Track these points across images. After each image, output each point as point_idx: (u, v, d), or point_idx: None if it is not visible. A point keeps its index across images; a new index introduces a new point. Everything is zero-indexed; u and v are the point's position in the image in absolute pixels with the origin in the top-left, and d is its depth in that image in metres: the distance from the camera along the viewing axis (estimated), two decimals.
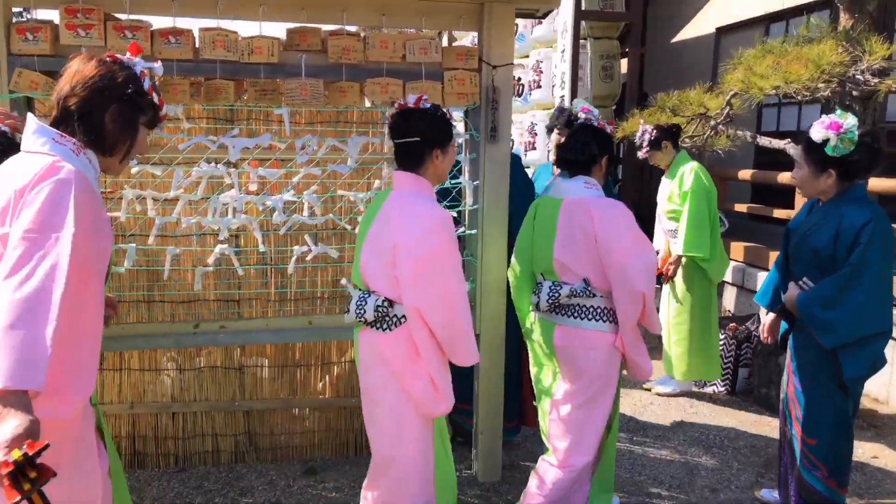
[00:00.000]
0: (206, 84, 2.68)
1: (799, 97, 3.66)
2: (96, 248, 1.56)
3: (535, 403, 2.92)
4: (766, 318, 2.94)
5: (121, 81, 1.65)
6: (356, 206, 2.95)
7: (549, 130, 3.76)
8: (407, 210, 2.20)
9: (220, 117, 3.15)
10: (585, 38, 6.36)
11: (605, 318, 2.59)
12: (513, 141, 7.29)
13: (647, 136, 4.20)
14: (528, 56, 7.25)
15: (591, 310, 2.59)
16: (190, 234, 2.99)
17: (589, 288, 2.56)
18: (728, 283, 5.75)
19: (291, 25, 2.78)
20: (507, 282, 2.97)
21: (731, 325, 4.51)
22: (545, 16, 3.25)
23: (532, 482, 2.70)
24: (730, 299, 5.71)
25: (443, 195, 3.18)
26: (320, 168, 2.85)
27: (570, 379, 2.62)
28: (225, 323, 2.91)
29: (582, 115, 3.50)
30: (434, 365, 2.21)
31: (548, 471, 2.65)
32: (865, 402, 4.34)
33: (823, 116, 2.57)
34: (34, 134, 1.58)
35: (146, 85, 1.70)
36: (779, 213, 5.52)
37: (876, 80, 3.51)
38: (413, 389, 2.20)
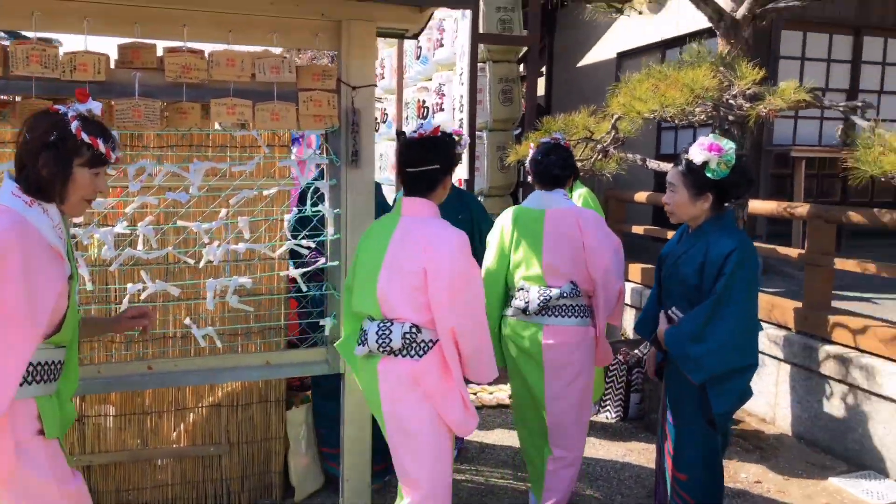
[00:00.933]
0: (21, 104, 2.40)
1: (676, 121, 3.65)
2: (25, 286, 1.71)
3: None
4: (650, 348, 2.86)
5: (43, 131, 1.79)
6: (200, 238, 2.69)
7: None
8: (430, 233, 2.24)
9: None
10: (485, 62, 6.30)
11: (586, 315, 2.96)
12: None
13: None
14: (430, 79, 7.16)
15: (576, 308, 2.93)
16: None
17: (576, 289, 2.91)
18: (627, 304, 5.74)
19: (124, 41, 2.53)
20: None
21: (623, 349, 4.46)
22: (415, 36, 3.09)
23: (550, 486, 2.99)
24: (629, 321, 5.70)
25: (302, 224, 2.97)
26: (157, 197, 2.59)
27: (559, 375, 2.91)
28: None
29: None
30: (462, 385, 2.28)
31: (559, 470, 2.99)
32: (752, 423, 4.36)
33: (701, 138, 2.51)
34: (3, 186, 1.81)
35: (73, 127, 1.80)
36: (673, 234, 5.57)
37: (748, 104, 3.54)
38: (448, 412, 2.25)
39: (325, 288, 2.95)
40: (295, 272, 2.82)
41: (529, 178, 3.52)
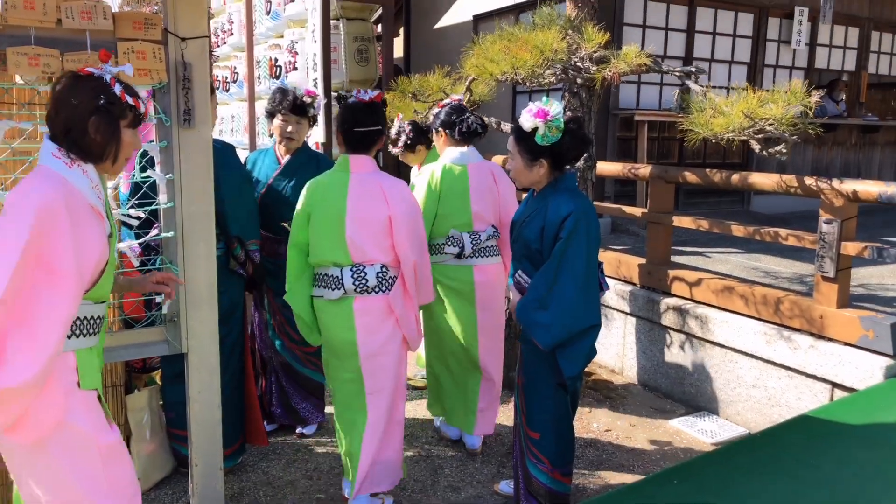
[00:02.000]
0: None
1: (528, 83, 3.67)
2: (74, 246, 1.76)
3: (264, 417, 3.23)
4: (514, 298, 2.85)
5: (90, 96, 1.85)
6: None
7: (271, 115, 3.40)
8: (385, 185, 2.70)
9: None
10: (338, 19, 6.06)
11: (499, 254, 3.43)
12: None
13: (402, 137, 3.99)
14: (282, 36, 6.79)
15: (495, 248, 3.41)
16: None
17: (496, 232, 3.39)
18: None
19: None
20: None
21: None
22: None
23: (483, 406, 3.45)
24: None
25: (134, 192, 2.68)
26: None
27: (490, 306, 3.37)
28: None
29: (308, 99, 3.23)
30: (416, 307, 2.86)
31: (491, 390, 3.48)
32: (602, 374, 4.61)
33: (530, 104, 2.49)
34: (43, 147, 1.86)
35: (117, 90, 1.89)
36: None
37: (595, 67, 3.63)
38: (408, 329, 2.80)
39: (158, 262, 2.69)
40: (122, 245, 2.54)
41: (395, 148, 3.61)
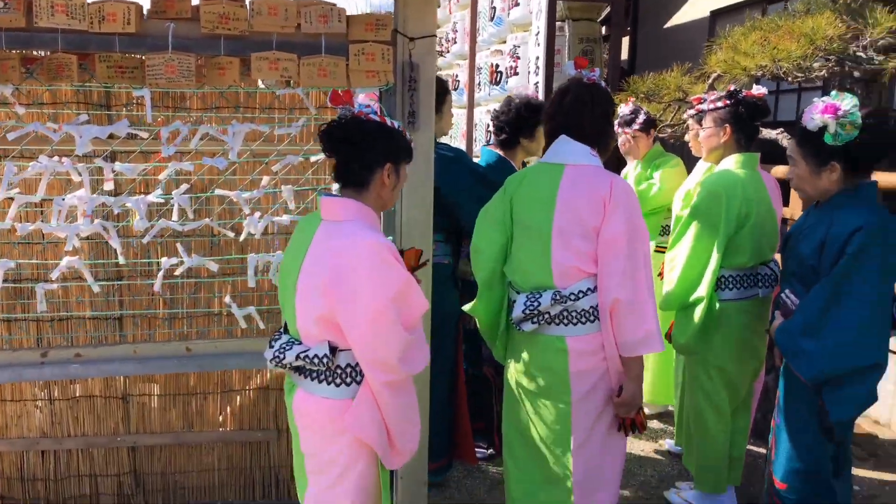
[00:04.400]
0: (48, 59, 2.18)
1: (790, 78, 3.12)
2: None
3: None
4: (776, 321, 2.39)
5: None
6: (241, 209, 2.43)
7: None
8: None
9: (95, 102, 2.64)
10: (563, 20, 5.81)
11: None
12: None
13: (641, 114, 3.66)
14: (505, 41, 6.71)
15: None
16: (30, 241, 2.50)
17: None
18: None
19: None
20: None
21: None
22: None
23: None
24: None
25: None
26: (193, 162, 2.34)
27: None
28: (81, 350, 2.41)
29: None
30: None
31: None
32: (865, 425, 3.81)
33: (816, 100, 2.08)
34: None
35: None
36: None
37: (881, 57, 2.97)
38: None
39: None
40: None
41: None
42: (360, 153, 1.84)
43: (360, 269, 1.72)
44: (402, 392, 1.81)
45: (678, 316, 2.73)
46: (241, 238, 2.46)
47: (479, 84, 7.36)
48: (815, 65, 3.08)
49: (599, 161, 2.22)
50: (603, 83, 2.32)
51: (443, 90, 2.93)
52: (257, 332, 2.60)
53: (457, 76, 8.21)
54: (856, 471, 3.32)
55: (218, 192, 2.41)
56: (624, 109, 3.67)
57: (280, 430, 2.93)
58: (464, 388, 3.05)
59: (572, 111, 2.22)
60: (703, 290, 2.60)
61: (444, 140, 3.20)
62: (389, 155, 1.86)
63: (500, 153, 3.24)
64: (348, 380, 1.80)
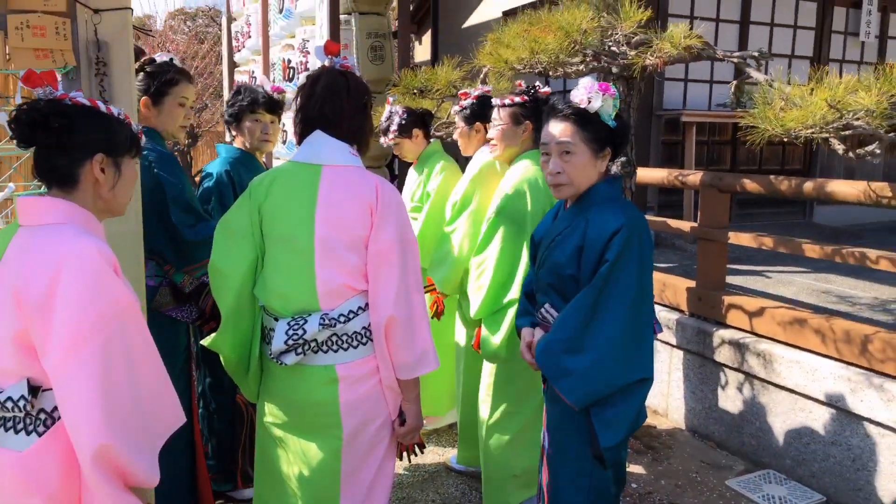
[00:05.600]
0: None
1: (551, 73, 3.04)
2: None
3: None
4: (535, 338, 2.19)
5: None
6: None
7: (237, 117, 2.85)
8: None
9: None
10: (350, 13, 5.53)
11: None
12: (285, 132, 6.33)
13: (395, 118, 3.39)
14: (294, 35, 6.29)
15: None
16: None
17: None
18: None
19: None
20: None
21: None
22: None
23: None
24: None
25: None
26: None
27: None
28: None
29: (278, 96, 2.74)
30: None
31: None
32: None
33: (582, 81, 1.92)
34: None
35: None
36: None
37: (634, 52, 2.98)
38: None
39: None
40: None
41: None
42: (60, 141, 1.44)
43: (62, 278, 1.31)
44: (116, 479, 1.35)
45: (488, 322, 2.57)
46: None
47: (273, 80, 6.87)
48: (575, 59, 3.04)
49: (360, 161, 1.93)
50: (359, 72, 2.04)
51: (170, 78, 2.46)
52: None
53: (253, 72, 7.65)
54: (632, 467, 3.34)
55: None
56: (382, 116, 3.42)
57: None
58: (200, 444, 2.57)
59: (327, 101, 1.89)
60: (514, 292, 2.49)
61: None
62: (101, 144, 1.47)
63: (243, 148, 2.85)
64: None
